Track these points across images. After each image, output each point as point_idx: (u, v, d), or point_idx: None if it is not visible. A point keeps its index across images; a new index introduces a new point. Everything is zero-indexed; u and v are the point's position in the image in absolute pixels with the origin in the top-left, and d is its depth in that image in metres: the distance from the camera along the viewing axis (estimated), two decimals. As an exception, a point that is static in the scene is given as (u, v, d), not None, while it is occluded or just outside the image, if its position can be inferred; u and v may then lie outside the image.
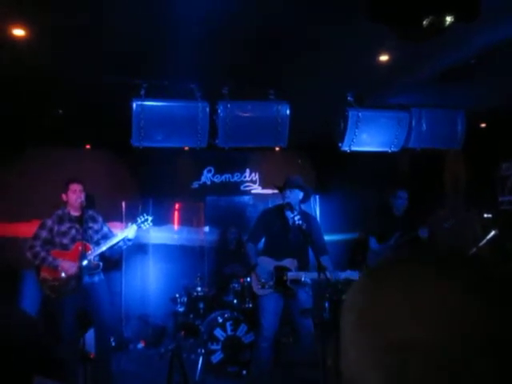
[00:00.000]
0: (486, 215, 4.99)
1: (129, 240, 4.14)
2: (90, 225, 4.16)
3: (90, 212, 4.23)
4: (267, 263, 4.06)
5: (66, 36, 2.93)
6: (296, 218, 3.77)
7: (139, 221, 4.24)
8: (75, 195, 4.07)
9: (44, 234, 4.01)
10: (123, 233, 4.15)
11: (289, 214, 4.06)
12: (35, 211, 4.97)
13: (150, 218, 4.26)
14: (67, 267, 3.91)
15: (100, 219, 4.29)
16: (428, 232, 4.60)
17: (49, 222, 4.05)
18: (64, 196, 4.12)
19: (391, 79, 3.89)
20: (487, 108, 4.62)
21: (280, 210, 4.17)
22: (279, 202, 4.24)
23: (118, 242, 4.10)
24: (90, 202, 4.32)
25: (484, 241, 4.34)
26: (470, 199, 5.54)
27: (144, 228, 4.28)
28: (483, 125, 5.29)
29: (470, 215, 5.33)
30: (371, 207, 5.59)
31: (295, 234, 3.99)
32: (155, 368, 4.62)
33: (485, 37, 2.94)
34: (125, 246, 4.23)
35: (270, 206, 4.61)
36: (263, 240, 4.28)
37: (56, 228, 4.04)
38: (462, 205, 5.64)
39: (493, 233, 4.34)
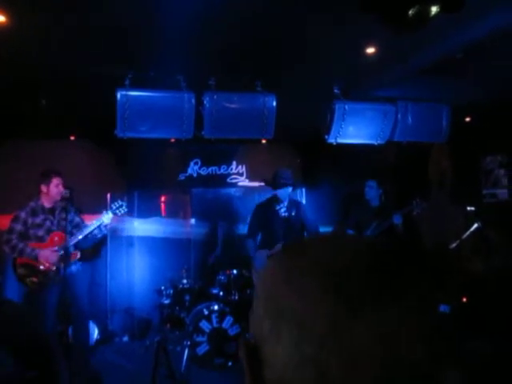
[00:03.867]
0: (469, 208, 5.05)
1: (105, 226, 4.14)
2: (64, 215, 4.12)
3: (63, 203, 4.19)
4: (264, 254, 4.22)
5: (49, 24, 2.86)
6: (282, 211, 3.92)
7: (114, 207, 4.24)
8: (57, 189, 4.05)
9: (19, 227, 3.96)
10: (99, 220, 4.13)
11: (278, 206, 4.28)
12: (18, 204, 4.87)
13: (124, 204, 4.27)
14: (47, 255, 3.88)
15: (72, 210, 4.25)
16: (402, 219, 4.67)
17: (22, 215, 3.99)
18: (44, 187, 4.05)
19: (378, 72, 3.90)
20: (472, 102, 4.66)
21: (271, 203, 4.37)
22: (266, 194, 4.37)
23: (93, 230, 4.09)
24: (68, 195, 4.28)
25: (467, 233, 4.40)
26: (454, 192, 5.61)
27: (119, 214, 4.28)
28: (468, 119, 5.34)
29: (454, 208, 5.39)
30: (342, 200, 5.70)
31: (288, 224, 4.17)
32: (141, 360, 4.60)
33: (471, 30, 2.95)
34: (99, 235, 4.21)
35: (262, 199, 4.73)
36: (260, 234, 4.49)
37: (30, 220, 3.99)
38: (446, 197, 5.70)
39: (476, 225, 4.39)
